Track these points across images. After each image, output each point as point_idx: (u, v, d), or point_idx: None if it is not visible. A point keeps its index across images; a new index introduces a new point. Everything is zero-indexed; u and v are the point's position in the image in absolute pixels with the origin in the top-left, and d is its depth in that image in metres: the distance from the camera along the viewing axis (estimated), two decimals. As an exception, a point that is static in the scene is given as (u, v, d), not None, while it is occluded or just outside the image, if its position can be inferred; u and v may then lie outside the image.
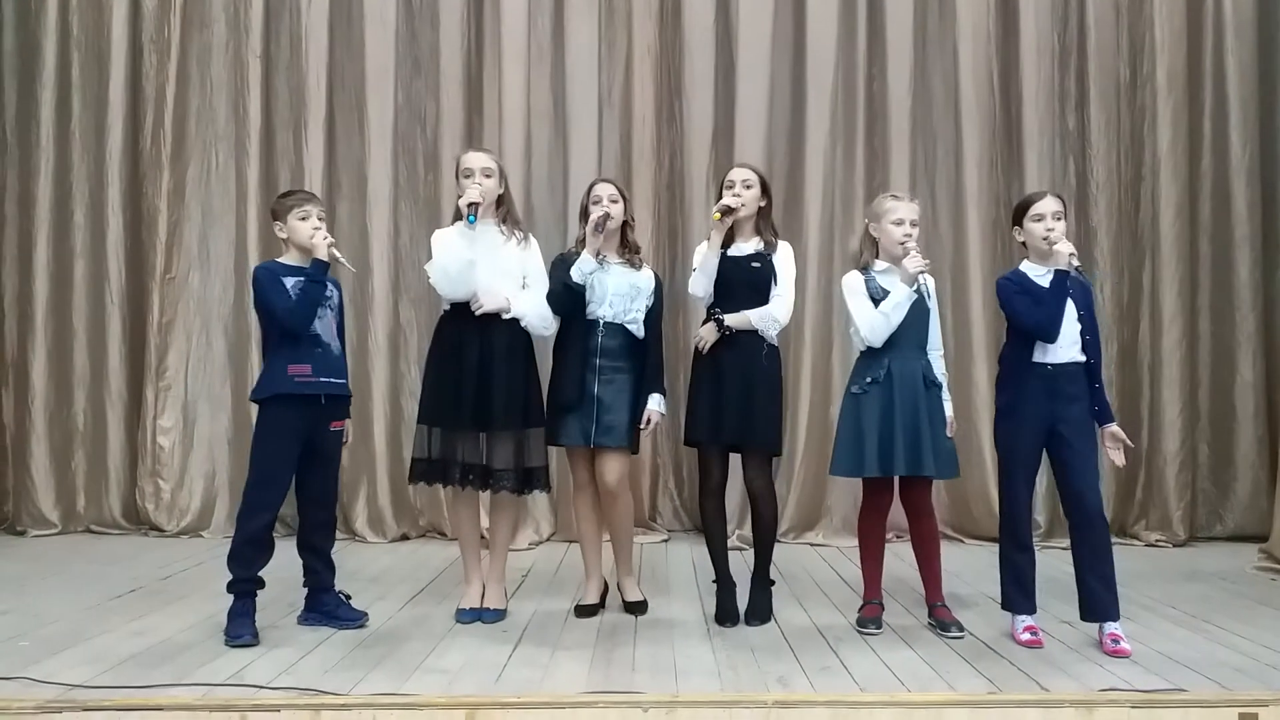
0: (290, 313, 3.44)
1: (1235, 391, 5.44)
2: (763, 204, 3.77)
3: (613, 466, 3.75)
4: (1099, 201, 5.40)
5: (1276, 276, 5.34)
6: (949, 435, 3.60)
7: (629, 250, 3.86)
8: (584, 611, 3.82)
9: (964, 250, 5.42)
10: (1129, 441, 3.58)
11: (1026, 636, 3.43)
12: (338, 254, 3.52)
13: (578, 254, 3.76)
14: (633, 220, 3.93)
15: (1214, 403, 5.49)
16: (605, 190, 3.82)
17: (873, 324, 3.55)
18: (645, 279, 3.84)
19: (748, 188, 3.73)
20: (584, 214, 3.84)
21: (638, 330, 3.79)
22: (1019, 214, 3.53)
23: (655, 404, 3.78)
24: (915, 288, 3.51)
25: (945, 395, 3.65)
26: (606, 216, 3.71)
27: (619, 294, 3.75)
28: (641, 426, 3.77)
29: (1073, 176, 5.48)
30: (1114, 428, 3.49)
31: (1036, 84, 5.42)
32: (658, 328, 3.90)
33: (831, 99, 5.44)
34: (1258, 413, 5.41)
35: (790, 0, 5.52)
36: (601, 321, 3.74)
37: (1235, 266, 5.44)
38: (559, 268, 3.81)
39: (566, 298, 3.73)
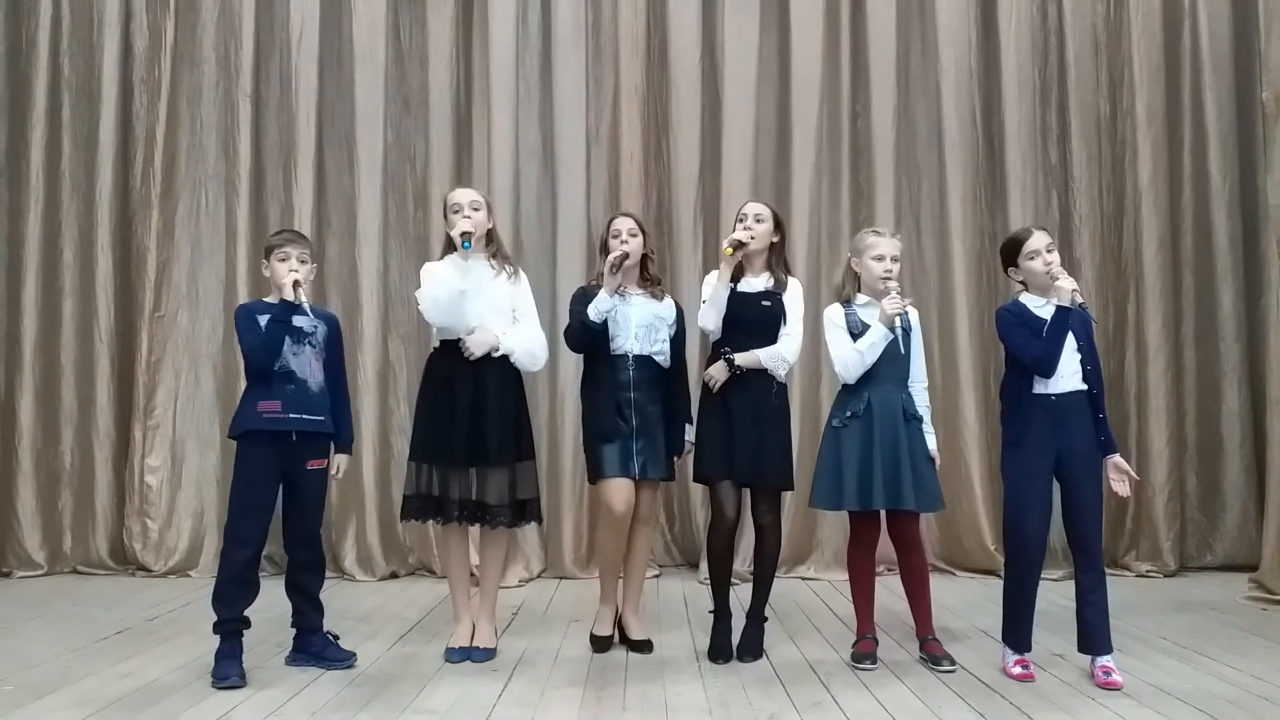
0: (253, 350, 3.45)
1: (1222, 421, 5.48)
2: (775, 240, 3.80)
3: (649, 498, 3.83)
4: (1082, 234, 5.46)
5: (1259, 307, 5.39)
6: (934, 467, 3.62)
7: (650, 282, 3.89)
8: (601, 643, 3.81)
9: (949, 283, 5.46)
10: (1133, 473, 3.59)
11: (1018, 670, 3.42)
12: (301, 294, 3.49)
13: (598, 288, 3.77)
14: (653, 253, 3.95)
15: (1201, 433, 5.52)
16: (624, 225, 3.84)
17: (847, 361, 3.58)
18: (667, 309, 3.87)
19: (759, 221, 3.75)
20: (603, 248, 3.86)
21: (664, 361, 3.82)
22: (1011, 254, 3.51)
23: (690, 434, 3.85)
24: (895, 329, 3.53)
25: (928, 428, 3.66)
26: (625, 256, 3.73)
27: (642, 325, 3.77)
28: (678, 457, 3.83)
29: (1056, 210, 5.55)
30: (1117, 458, 3.49)
31: (1018, 119, 5.50)
32: (681, 355, 3.93)
33: (816, 135, 5.51)
34: (1244, 442, 5.44)
35: (775, 39, 5.61)
36: (630, 355, 3.76)
37: (1218, 297, 5.50)
38: (578, 303, 3.82)
39: (584, 336, 3.75)
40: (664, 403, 3.81)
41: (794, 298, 3.77)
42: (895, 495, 3.50)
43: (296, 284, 3.48)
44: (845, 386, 3.65)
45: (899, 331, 3.56)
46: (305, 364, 3.55)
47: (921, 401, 3.67)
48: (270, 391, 3.46)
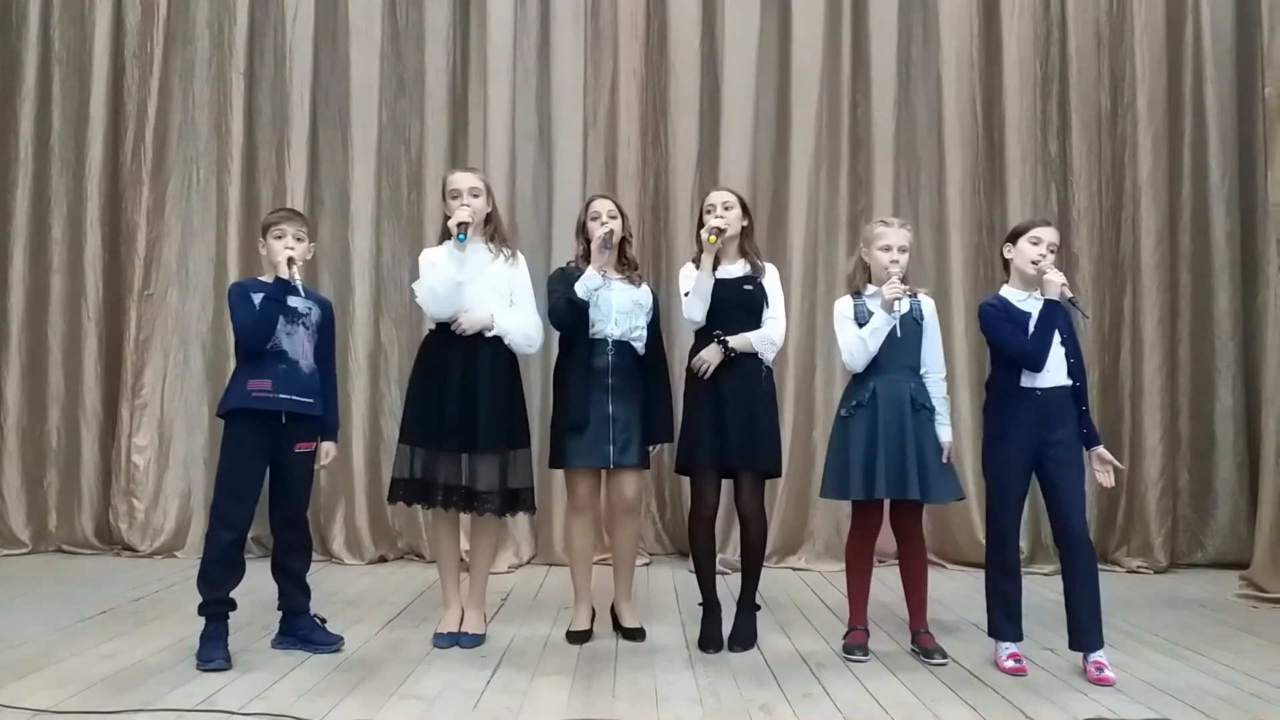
0: (246, 328, 3.41)
1: (1215, 418, 5.47)
2: (745, 225, 3.80)
3: (632, 484, 3.76)
4: (1080, 228, 5.44)
5: (1256, 304, 5.38)
6: (944, 459, 3.58)
7: (628, 267, 3.86)
8: (577, 638, 3.76)
9: (947, 275, 5.43)
10: (1118, 463, 3.61)
11: (1010, 664, 3.41)
12: (295, 272, 3.45)
13: (577, 269, 3.75)
14: (630, 236, 3.93)
15: (1194, 429, 5.50)
16: (604, 206, 3.82)
17: (852, 348, 3.57)
18: (644, 296, 3.84)
19: (728, 209, 3.75)
20: (581, 230, 3.83)
21: (641, 347, 3.79)
22: (1016, 234, 3.52)
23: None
24: (895, 314, 3.51)
25: (943, 419, 3.61)
26: (613, 232, 3.71)
27: (623, 311, 3.74)
28: (653, 448, 3.82)
29: (1055, 203, 5.51)
30: (1101, 450, 3.49)
31: (1019, 111, 5.46)
32: (658, 345, 3.89)
33: (816, 123, 5.47)
34: (1238, 439, 5.43)
35: (775, 24, 5.57)
36: (610, 340, 3.72)
37: (1215, 294, 5.48)
38: (559, 283, 3.79)
39: (570, 314, 3.71)
40: (643, 389, 3.77)
41: (773, 281, 3.80)
42: (900, 485, 3.47)
43: (291, 260, 3.44)
44: (855, 377, 3.64)
45: (903, 318, 3.53)
46: (298, 345, 3.50)
47: (937, 392, 3.62)
48: (261, 370, 3.41)
